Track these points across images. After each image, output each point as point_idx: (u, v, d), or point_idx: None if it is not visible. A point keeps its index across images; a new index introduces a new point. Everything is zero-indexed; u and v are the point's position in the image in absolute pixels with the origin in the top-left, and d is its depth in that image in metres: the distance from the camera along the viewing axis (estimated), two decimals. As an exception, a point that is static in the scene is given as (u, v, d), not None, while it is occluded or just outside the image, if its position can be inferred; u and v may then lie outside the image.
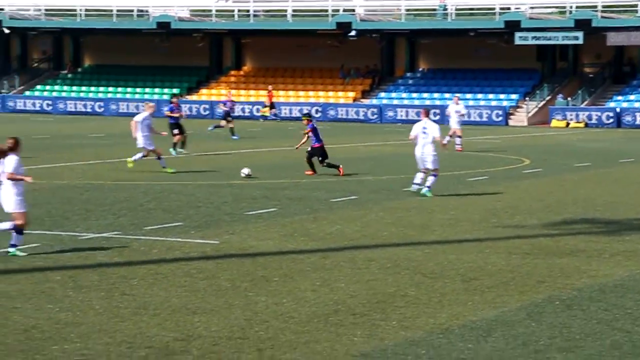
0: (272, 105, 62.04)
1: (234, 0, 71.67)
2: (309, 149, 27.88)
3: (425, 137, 23.17)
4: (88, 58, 76.86)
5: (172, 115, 34.67)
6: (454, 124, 38.18)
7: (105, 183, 25.48)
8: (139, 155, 28.47)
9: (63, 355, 10.00)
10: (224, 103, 46.47)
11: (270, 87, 62.65)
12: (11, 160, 15.18)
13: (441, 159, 24.26)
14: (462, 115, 39.22)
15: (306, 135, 28.15)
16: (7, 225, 15.27)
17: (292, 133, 47.39)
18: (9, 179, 15.18)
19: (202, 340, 10.61)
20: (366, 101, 66.02)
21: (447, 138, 36.39)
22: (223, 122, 45.38)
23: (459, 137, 37.76)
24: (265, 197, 22.89)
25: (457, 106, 38.84)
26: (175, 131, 34.48)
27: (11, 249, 15.19)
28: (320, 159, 27.75)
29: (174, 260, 15.18)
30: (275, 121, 60.77)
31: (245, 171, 26.86)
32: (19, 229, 15.18)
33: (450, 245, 16.81)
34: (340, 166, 27.76)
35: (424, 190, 22.91)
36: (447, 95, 65.04)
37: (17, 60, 76.77)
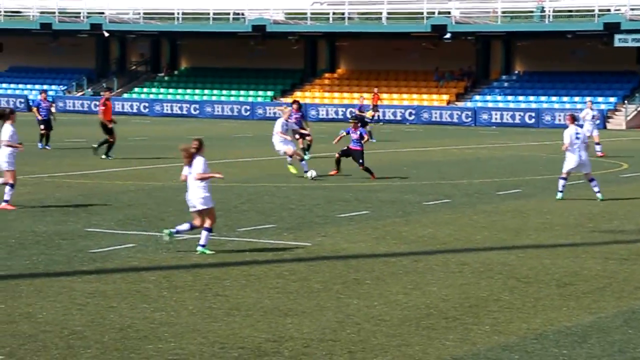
0: (375, 108, 61.90)
1: (328, 3, 71.79)
2: (354, 152, 27.62)
3: (577, 142, 23.17)
4: (184, 61, 77.85)
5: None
6: (588, 130, 36.52)
7: (200, 184, 25.73)
8: (289, 159, 28.48)
9: (157, 355, 10.14)
10: (360, 107, 47.63)
11: (375, 90, 62.46)
12: (199, 162, 15.75)
13: (535, 163, 24.03)
14: (597, 119, 38.24)
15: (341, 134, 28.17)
16: (185, 226, 15.79)
17: (387, 135, 47.41)
18: (198, 179, 15.69)
19: (294, 342, 10.65)
20: (460, 104, 65.61)
21: (598, 147, 36.62)
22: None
23: (598, 143, 37.00)
24: (357, 199, 22.90)
25: (592, 111, 37.95)
26: (296, 136, 34.51)
27: (200, 248, 15.64)
28: (360, 161, 27.47)
29: (266, 262, 15.27)
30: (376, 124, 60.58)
31: (312, 174, 26.90)
32: (209, 229, 15.68)
33: (545, 249, 16.61)
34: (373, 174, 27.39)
35: (599, 195, 23.04)
36: (542, 98, 64.39)
37: (116, 63, 78.15)
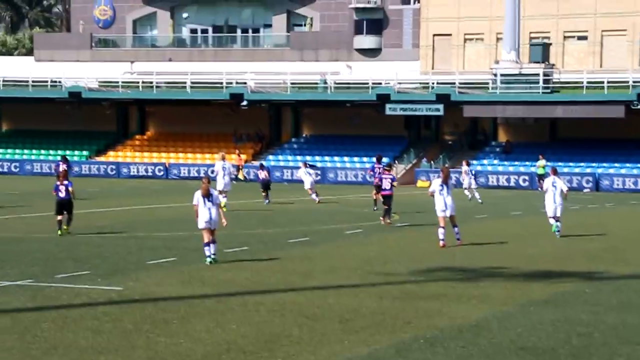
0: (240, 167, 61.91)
1: (138, 73, 71.49)
2: None
3: (554, 190, 26.05)
4: (5, 123, 75.44)
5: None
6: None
7: (19, 235, 24.86)
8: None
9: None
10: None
11: (237, 152, 62.91)
12: None
13: (322, 214, 24.32)
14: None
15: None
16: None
17: (189, 190, 46.98)
18: None
19: (107, 378, 10.39)
20: (256, 163, 66.07)
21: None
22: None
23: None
24: (165, 247, 22.62)
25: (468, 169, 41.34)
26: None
27: None
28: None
29: (82, 305, 14.87)
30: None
31: None
32: None
33: (329, 290, 16.84)
34: None
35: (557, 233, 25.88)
36: (327, 158, 65.70)
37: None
